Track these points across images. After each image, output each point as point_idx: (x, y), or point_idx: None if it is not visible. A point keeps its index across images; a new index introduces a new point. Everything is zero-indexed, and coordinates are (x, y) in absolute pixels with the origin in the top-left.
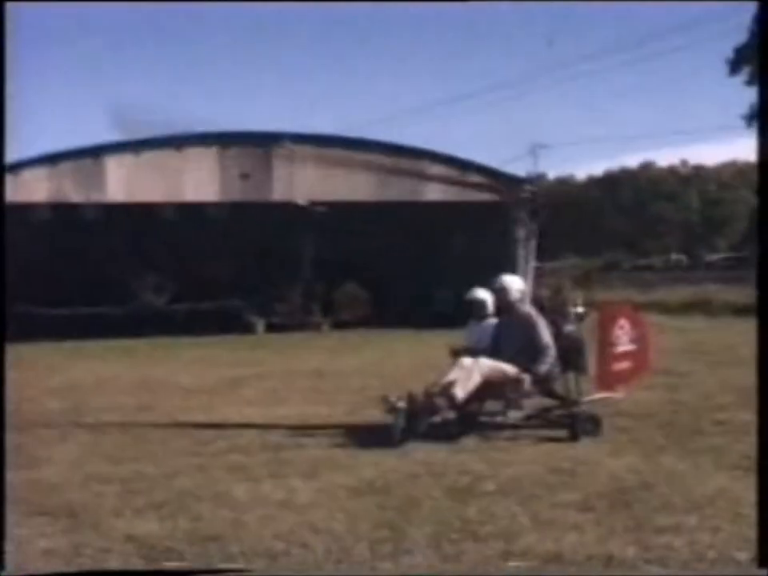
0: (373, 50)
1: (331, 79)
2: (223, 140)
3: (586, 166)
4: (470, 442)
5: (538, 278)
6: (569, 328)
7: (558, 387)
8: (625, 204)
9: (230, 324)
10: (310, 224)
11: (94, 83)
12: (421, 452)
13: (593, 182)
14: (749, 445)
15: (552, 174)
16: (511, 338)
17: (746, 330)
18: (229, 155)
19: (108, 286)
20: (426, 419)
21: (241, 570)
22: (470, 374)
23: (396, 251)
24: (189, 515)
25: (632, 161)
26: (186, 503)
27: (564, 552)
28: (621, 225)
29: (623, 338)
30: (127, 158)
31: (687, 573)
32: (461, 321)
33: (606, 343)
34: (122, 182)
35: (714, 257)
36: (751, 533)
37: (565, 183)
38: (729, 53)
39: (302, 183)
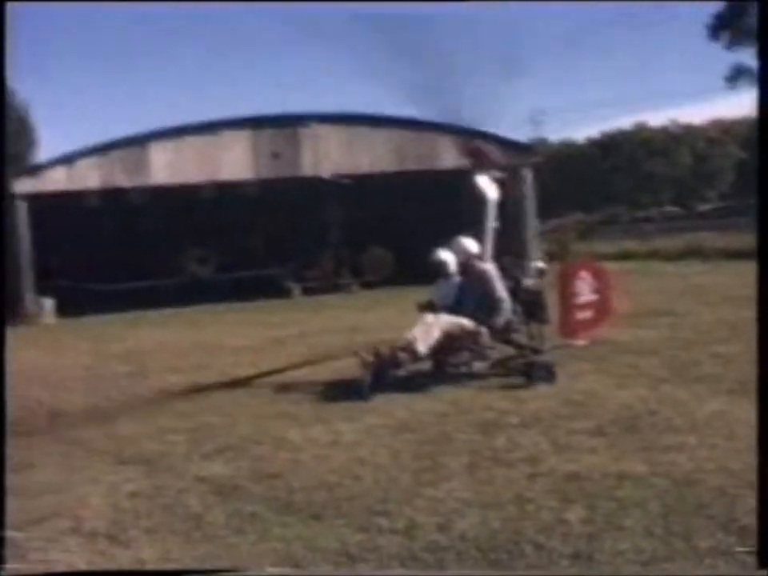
0: (380, 34)
1: (348, 65)
2: (255, 123)
3: (585, 130)
4: (492, 382)
5: (542, 233)
6: (528, 282)
7: (522, 337)
8: (622, 162)
9: (269, 290)
10: (336, 196)
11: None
12: (448, 394)
13: (592, 144)
14: (741, 373)
15: (553, 138)
16: (470, 293)
17: (737, 272)
18: (261, 136)
19: (158, 261)
20: (391, 373)
21: (230, 571)
22: (431, 329)
23: (414, 216)
24: (250, 457)
25: (627, 122)
26: (247, 447)
27: (581, 471)
28: (619, 182)
29: (585, 289)
30: (169, 144)
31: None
32: None
33: (567, 294)
34: (166, 166)
35: (705, 207)
36: (743, 446)
37: (566, 146)
38: (709, 20)
39: (327, 159)
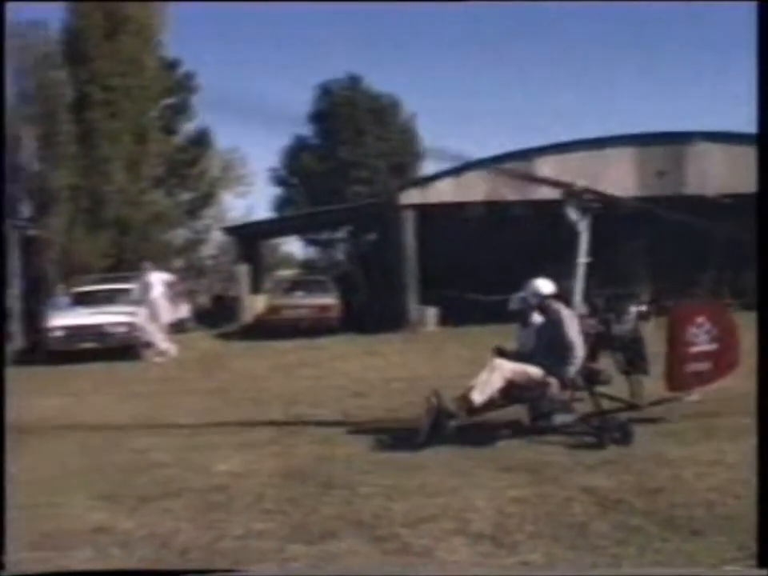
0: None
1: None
2: (641, 140)
3: None
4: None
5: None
6: (624, 328)
7: (612, 389)
8: None
9: None
10: (720, 215)
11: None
12: None
13: None
14: None
15: None
16: (543, 339)
17: None
18: (646, 154)
19: (539, 274)
20: (449, 423)
21: (229, 571)
22: (492, 378)
23: None
24: (633, 472)
25: None
26: (629, 462)
27: None
28: None
29: (701, 337)
30: (554, 159)
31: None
32: None
33: (678, 343)
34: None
35: None
36: None
37: None
38: None
39: (712, 178)
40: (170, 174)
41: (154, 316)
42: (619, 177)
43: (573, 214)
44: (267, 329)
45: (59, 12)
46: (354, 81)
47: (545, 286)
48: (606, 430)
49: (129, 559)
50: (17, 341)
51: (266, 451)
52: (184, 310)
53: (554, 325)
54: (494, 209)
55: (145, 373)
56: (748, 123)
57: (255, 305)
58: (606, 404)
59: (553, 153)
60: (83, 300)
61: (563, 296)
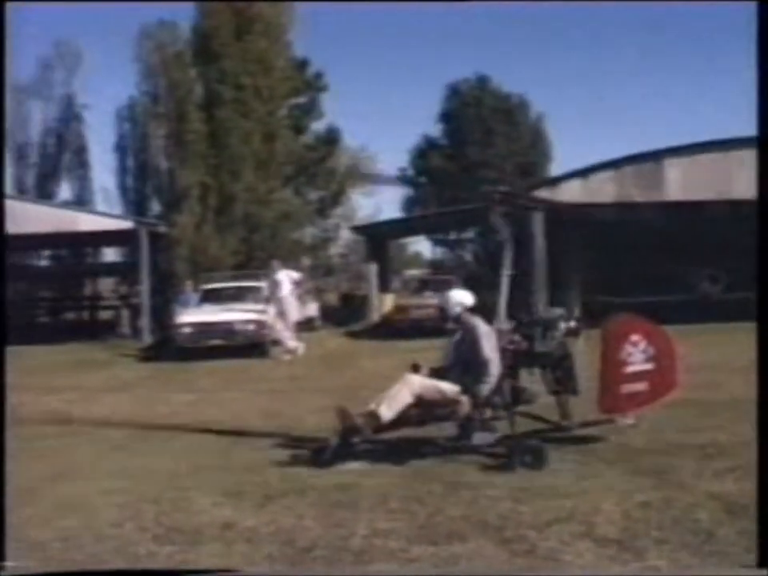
0: None
1: None
2: None
3: None
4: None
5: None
6: (550, 344)
7: (550, 409)
8: None
9: None
10: None
11: None
12: None
13: None
14: None
15: None
16: (461, 354)
17: None
18: None
19: (667, 277)
20: (355, 439)
21: (232, 571)
22: (401, 393)
23: None
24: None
25: None
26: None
27: None
28: None
29: (637, 357)
30: (683, 161)
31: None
32: None
33: (611, 362)
34: (679, 183)
35: None
36: None
37: None
38: None
39: None
40: (298, 172)
41: (282, 314)
42: (749, 177)
43: (497, 222)
44: (395, 328)
45: (190, 11)
46: (482, 81)
47: (462, 297)
48: (518, 452)
49: (255, 555)
50: (145, 337)
51: (391, 450)
52: (312, 309)
53: (469, 340)
54: (623, 211)
55: (272, 371)
56: None
57: (383, 304)
58: (531, 425)
59: (683, 154)
60: (212, 297)
61: (486, 309)
